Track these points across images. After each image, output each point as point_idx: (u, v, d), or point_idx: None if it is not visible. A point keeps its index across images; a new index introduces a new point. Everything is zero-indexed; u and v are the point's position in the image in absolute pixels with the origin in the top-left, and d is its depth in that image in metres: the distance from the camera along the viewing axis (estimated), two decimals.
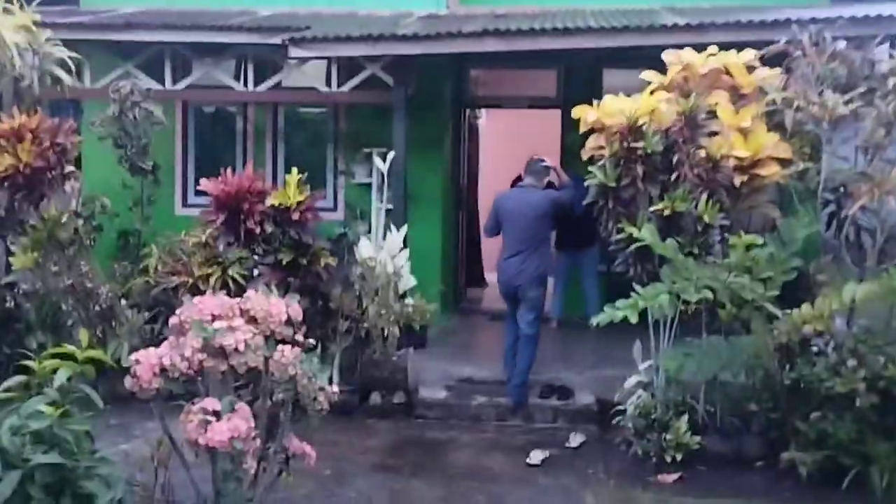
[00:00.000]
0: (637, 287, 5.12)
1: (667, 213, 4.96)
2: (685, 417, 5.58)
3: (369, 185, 8.91)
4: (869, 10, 6.98)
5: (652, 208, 5.02)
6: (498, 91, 10.15)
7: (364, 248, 6.74)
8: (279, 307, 4.06)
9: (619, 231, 5.16)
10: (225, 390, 3.91)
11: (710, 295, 4.67)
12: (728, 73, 5.33)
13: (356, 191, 9.25)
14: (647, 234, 4.79)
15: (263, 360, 3.87)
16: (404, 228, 6.95)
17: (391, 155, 7.05)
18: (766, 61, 5.39)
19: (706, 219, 4.91)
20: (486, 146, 12.30)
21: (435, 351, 7.78)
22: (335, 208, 9.42)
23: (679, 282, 4.67)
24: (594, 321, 4.91)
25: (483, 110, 12.18)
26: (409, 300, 6.96)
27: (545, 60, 9.27)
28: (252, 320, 3.94)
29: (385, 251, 6.70)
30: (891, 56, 5.86)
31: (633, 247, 4.97)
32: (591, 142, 5.75)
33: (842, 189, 5.39)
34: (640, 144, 5.06)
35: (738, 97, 5.26)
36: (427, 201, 9.13)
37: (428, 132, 9.08)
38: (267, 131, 9.47)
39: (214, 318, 3.88)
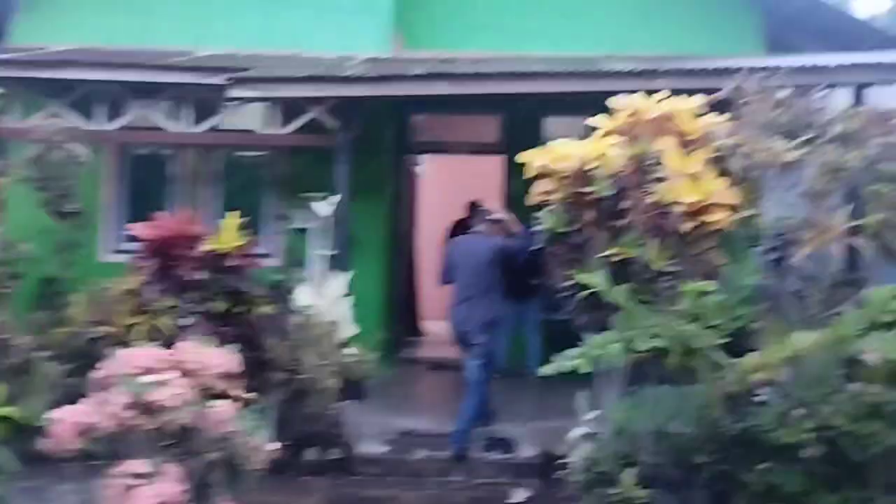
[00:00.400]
0: (585, 336, 4.99)
1: (617, 258, 4.85)
2: (633, 470, 5.42)
3: (307, 231, 8.75)
4: (805, 61, 7.13)
5: (602, 254, 4.91)
6: (440, 136, 10.07)
7: (302, 296, 6.49)
8: (215, 358, 3.80)
9: (568, 278, 5.03)
10: (153, 450, 3.62)
11: (660, 343, 4.55)
12: (675, 119, 5.30)
13: (294, 237, 9.01)
14: (598, 280, 4.67)
15: (196, 416, 3.60)
16: (347, 275, 6.72)
17: (336, 198, 6.84)
18: (713, 108, 5.38)
19: (656, 265, 4.82)
20: (426, 192, 12.20)
21: (375, 402, 7.52)
22: (272, 255, 9.15)
23: (629, 330, 4.55)
24: (542, 371, 4.75)
25: (423, 156, 12.12)
26: (349, 349, 6.71)
27: (488, 106, 9.25)
28: (186, 373, 3.67)
29: (324, 298, 6.46)
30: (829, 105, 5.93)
31: (582, 294, 4.85)
32: (539, 187, 5.64)
33: (785, 236, 5.36)
34: (592, 189, 4.96)
35: (685, 143, 5.23)
36: (369, 247, 8.93)
37: (371, 177, 8.91)
38: (204, 175, 9.19)
39: (144, 371, 3.60)
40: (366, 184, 8.73)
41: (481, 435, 6.73)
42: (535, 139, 9.65)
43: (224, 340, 6.11)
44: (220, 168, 9.20)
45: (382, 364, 8.80)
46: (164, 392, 3.46)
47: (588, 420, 5.83)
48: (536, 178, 5.93)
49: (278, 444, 6.26)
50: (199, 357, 3.70)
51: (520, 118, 9.54)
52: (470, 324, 6.61)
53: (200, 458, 3.72)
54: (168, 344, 6.09)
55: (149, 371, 3.58)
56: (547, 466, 6.23)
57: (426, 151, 10.82)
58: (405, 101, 8.75)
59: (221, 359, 3.77)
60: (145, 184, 9.31)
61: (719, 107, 5.43)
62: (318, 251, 6.99)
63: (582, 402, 5.89)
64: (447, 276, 6.96)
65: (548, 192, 5.69)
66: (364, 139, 8.34)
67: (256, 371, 6.59)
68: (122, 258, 7.39)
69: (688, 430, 5.22)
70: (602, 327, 4.94)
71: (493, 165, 10.50)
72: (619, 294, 4.69)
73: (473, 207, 9.60)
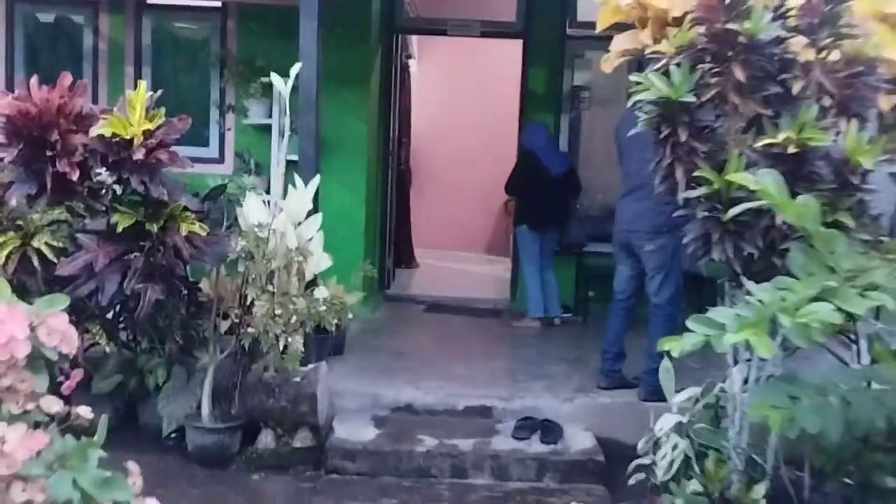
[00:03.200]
0: (726, 288, 2.96)
1: (790, 149, 2.75)
2: (762, 487, 3.46)
3: (269, 128, 6.57)
4: None
5: (762, 142, 2.81)
6: (441, 12, 7.80)
7: (253, 211, 4.34)
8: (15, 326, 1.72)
9: (695, 183, 2.94)
10: None
11: (884, 301, 2.51)
12: None
13: (251, 135, 6.82)
14: (770, 185, 2.58)
15: None
16: (314, 183, 4.57)
17: (295, 69, 4.64)
18: None
19: (859, 161, 2.73)
20: (421, 94, 9.96)
21: (357, 361, 5.47)
22: (221, 158, 6.95)
23: (826, 278, 2.50)
24: (668, 347, 2.71)
25: (416, 49, 9.83)
26: (321, 288, 4.61)
27: None
28: None
29: (284, 216, 4.32)
30: None
31: (731, 213, 2.75)
32: (624, 41, 3.51)
33: None
34: (741, 27, 2.82)
35: None
36: (348, 151, 6.78)
37: (349, 61, 6.70)
38: (127, 51, 6.90)
39: None
40: (344, 69, 6.54)
41: (511, 412, 4.74)
42: (563, 18, 7.53)
43: (133, 273, 4.08)
44: (150, 42, 6.92)
45: (366, 305, 6.78)
46: None
47: (681, 401, 3.89)
48: (614, 28, 3.82)
49: (213, 423, 4.33)
50: None
51: None
52: (637, 223, 4.83)
53: None
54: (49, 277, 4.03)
55: None
56: (612, 465, 4.29)
57: (424, 32, 8.51)
58: None
59: (30, 327, 1.70)
60: (49, 61, 7.01)
61: None
62: (281, 154, 4.79)
63: (667, 375, 3.93)
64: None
65: (634, 50, 3.59)
66: (340, 11, 6.14)
67: (186, 318, 4.54)
68: None
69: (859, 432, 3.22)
70: (759, 272, 2.88)
71: (508, 52, 8.32)
72: (806, 210, 2.59)
73: (543, 129, 7.12)
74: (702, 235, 2.97)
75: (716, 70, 2.92)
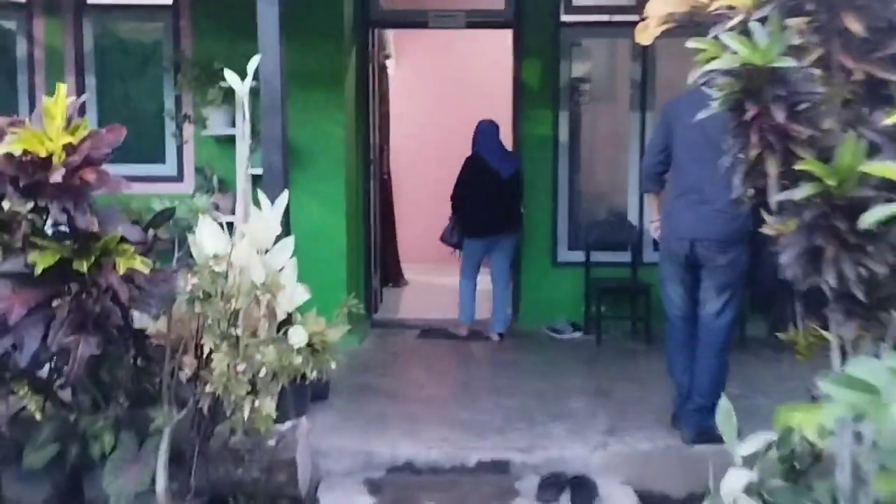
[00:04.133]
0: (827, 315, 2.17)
1: None
2: None
3: (233, 140, 5.74)
4: None
5: (888, 119, 2.03)
6: (421, 4, 7.01)
7: (207, 239, 3.51)
8: None
9: (786, 180, 2.16)
10: None
11: None
12: None
13: (213, 147, 6.01)
14: None
15: None
16: (282, 201, 3.74)
17: (253, 63, 3.81)
18: None
19: None
20: (400, 96, 9.17)
21: (344, 407, 4.66)
22: (180, 176, 6.14)
23: None
24: (797, 423, 1.93)
25: (393, 49, 9.02)
26: (296, 328, 3.78)
27: None
28: None
29: (247, 244, 3.49)
30: None
31: (867, 219, 1.95)
32: (664, 2, 2.74)
33: None
34: None
35: None
36: (324, 161, 6.00)
37: (320, 58, 5.94)
38: (67, 58, 6.07)
39: None
40: (314, 70, 5.79)
41: (531, 468, 3.93)
42: (556, 3, 6.76)
43: (57, 325, 3.27)
44: (92, 47, 6.09)
45: (353, 334, 5.97)
46: None
47: (746, 455, 3.12)
48: None
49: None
50: None
51: None
52: (703, 231, 4.01)
53: None
54: None
55: None
56: None
57: (400, 25, 7.70)
58: None
59: None
60: None
61: None
62: (240, 167, 3.95)
63: (726, 419, 3.16)
64: (657, 155, 4.27)
65: (681, 14, 2.81)
66: (305, 12, 5.39)
67: (127, 372, 3.71)
68: None
69: None
70: (888, 297, 2.10)
71: (496, 45, 7.55)
72: None
73: (492, 129, 6.52)
74: (807, 251, 2.18)
75: (818, 25, 2.14)
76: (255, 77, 3.89)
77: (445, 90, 9.50)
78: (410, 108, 9.42)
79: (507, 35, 6.90)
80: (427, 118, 9.56)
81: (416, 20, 7.00)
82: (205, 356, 3.39)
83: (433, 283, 8.71)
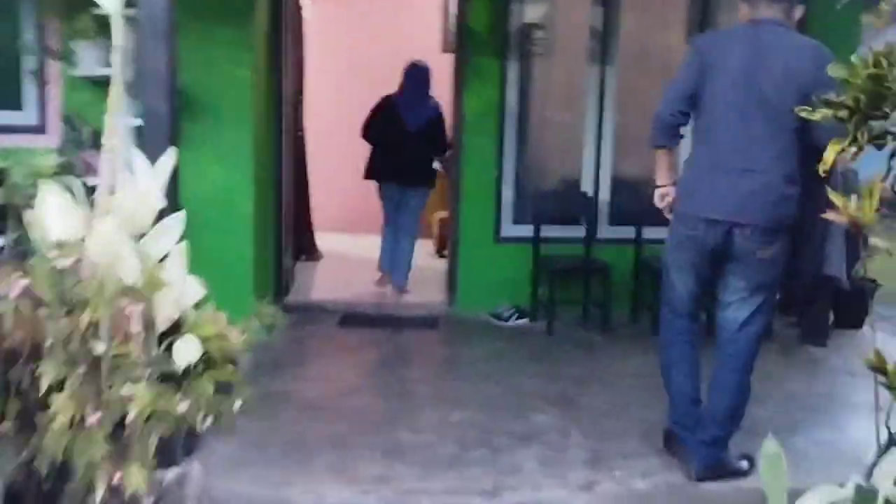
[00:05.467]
0: None
1: None
2: None
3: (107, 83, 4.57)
4: None
5: None
6: None
7: (53, 219, 2.41)
8: None
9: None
10: None
11: None
12: None
13: (85, 92, 4.80)
14: None
15: None
16: (167, 161, 2.65)
17: None
18: None
19: None
20: (316, 42, 8.01)
21: (250, 430, 3.60)
22: (42, 127, 4.92)
23: None
24: None
25: None
26: (185, 341, 2.73)
27: None
28: None
29: (112, 225, 2.41)
30: None
31: None
32: None
33: None
34: None
35: None
36: (227, 112, 4.91)
37: None
38: None
39: None
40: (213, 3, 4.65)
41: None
42: None
43: None
44: None
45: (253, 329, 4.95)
46: None
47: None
48: None
49: None
50: None
51: None
52: (747, 214, 3.09)
53: None
54: None
55: None
56: None
57: None
58: None
59: None
60: None
61: None
62: (110, 116, 2.83)
63: (773, 467, 2.33)
64: (680, 101, 3.25)
65: None
66: None
67: None
68: None
69: None
70: None
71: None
72: None
73: (414, 73, 6.05)
74: None
75: None
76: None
77: (368, 38, 8.38)
78: (328, 57, 8.27)
79: None
80: (346, 68, 8.43)
81: None
82: (38, 396, 2.30)
83: (352, 255, 7.69)
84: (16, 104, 4.86)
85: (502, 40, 5.69)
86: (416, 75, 6.02)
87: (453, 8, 7.78)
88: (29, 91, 4.86)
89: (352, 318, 5.64)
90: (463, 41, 5.74)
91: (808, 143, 2.96)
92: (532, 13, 5.85)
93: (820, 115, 2.49)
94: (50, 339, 2.20)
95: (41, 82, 4.83)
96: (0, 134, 4.75)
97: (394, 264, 6.23)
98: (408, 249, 6.21)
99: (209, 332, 3.03)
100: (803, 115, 1.81)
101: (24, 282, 2.13)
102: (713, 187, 3.17)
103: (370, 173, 6.18)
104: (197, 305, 2.96)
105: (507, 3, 5.67)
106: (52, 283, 2.19)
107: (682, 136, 3.33)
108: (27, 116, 4.85)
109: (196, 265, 4.47)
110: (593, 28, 5.79)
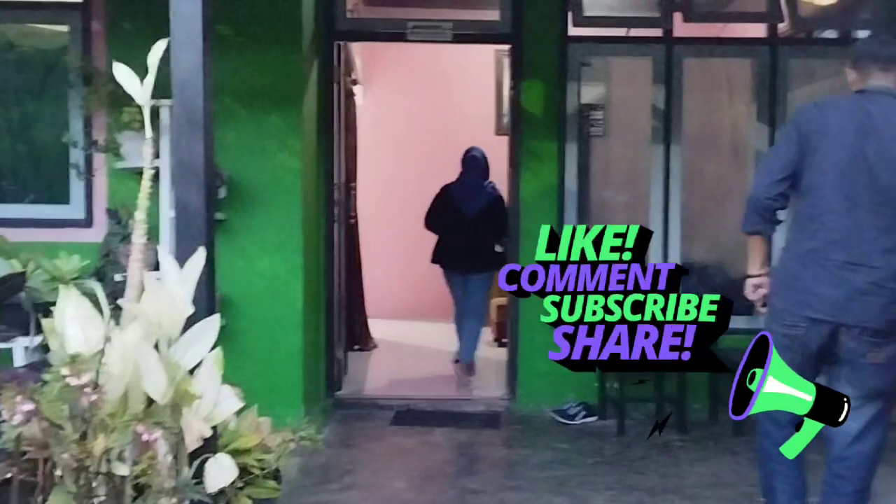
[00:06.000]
0: None
1: None
2: None
3: (157, 174, 4.42)
4: None
5: None
6: (397, 13, 5.79)
7: (71, 328, 2.17)
8: None
9: None
10: None
11: None
12: None
13: (130, 184, 4.67)
14: None
15: None
16: (198, 261, 2.40)
17: (157, 50, 2.51)
18: None
19: None
20: (369, 129, 7.90)
21: None
22: (89, 221, 4.80)
23: None
24: None
25: (361, 74, 7.79)
26: (219, 460, 2.44)
27: None
28: None
29: (134, 331, 2.16)
30: None
31: None
32: None
33: None
34: None
35: None
36: (275, 200, 4.75)
37: (272, 72, 4.71)
38: None
39: None
40: (264, 86, 4.57)
41: None
42: (563, 12, 5.58)
43: None
44: None
45: (310, 420, 4.68)
46: None
47: None
48: None
49: None
50: None
51: None
52: (854, 314, 2.75)
53: None
54: None
55: None
56: None
57: (373, 38, 6.38)
58: None
59: None
60: None
61: None
62: (140, 210, 2.60)
63: None
64: (784, 168, 2.93)
65: None
66: (259, 3, 4.21)
67: None
68: None
69: None
70: None
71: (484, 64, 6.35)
72: None
73: (470, 159, 6.09)
74: None
75: None
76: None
77: (421, 122, 8.26)
78: (380, 143, 8.15)
79: (491, 54, 5.69)
80: (399, 154, 8.30)
81: (391, 30, 5.75)
82: None
83: (407, 344, 7.41)
84: (63, 198, 4.76)
85: (558, 121, 5.46)
86: (472, 161, 6.02)
87: (507, 90, 7.69)
88: (76, 185, 4.75)
89: (406, 416, 5.31)
90: (517, 123, 5.52)
91: None
92: (589, 93, 5.62)
93: None
94: (60, 467, 1.92)
95: (88, 175, 4.71)
96: (48, 228, 4.64)
97: (463, 346, 6.20)
98: (475, 327, 6.17)
99: (249, 444, 2.77)
100: None
101: (28, 406, 1.87)
102: (815, 280, 2.81)
103: (436, 259, 6.20)
104: (239, 411, 2.70)
105: (563, 83, 5.45)
106: (64, 403, 1.93)
107: (779, 222, 3.00)
108: (74, 210, 4.74)
109: (243, 360, 4.24)
110: (654, 106, 5.52)
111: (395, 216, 7.96)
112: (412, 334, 7.75)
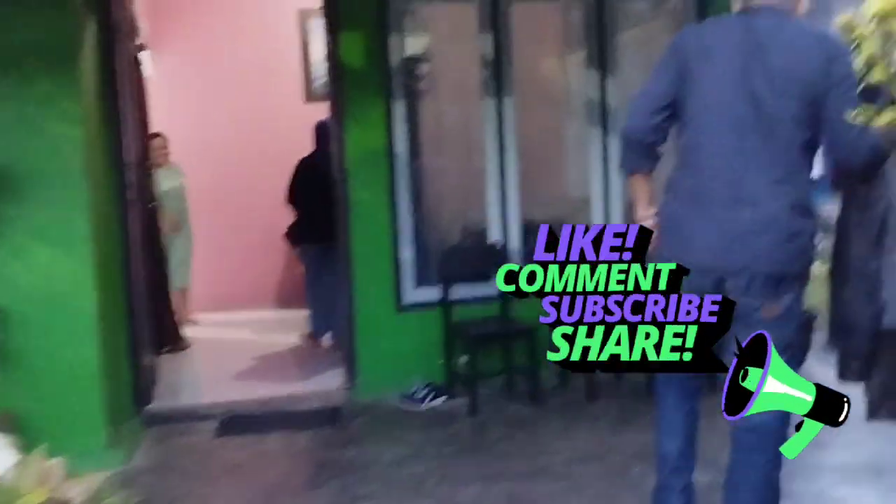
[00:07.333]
0: None
1: None
2: None
3: None
4: None
5: None
6: None
7: None
8: None
9: None
10: None
11: None
12: None
13: None
14: None
15: None
16: None
17: None
18: None
19: None
20: (162, 100, 6.97)
21: None
22: None
23: None
24: None
25: (147, 38, 6.84)
26: None
27: None
28: None
29: None
30: None
31: None
32: None
33: None
34: None
35: None
36: (53, 185, 3.89)
37: (37, 27, 3.86)
38: None
39: None
40: (25, 42, 3.72)
41: None
42: None
43: None
44: None
45: (116, 445, 3.95)
46: None
47: None
48: None
49: None
50: None
51: None
52: (747, 255, 2.38)
53: None
54: None
55: None
56: None
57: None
58: None
59: None
60: None
61: None
62: None
63: None
64: (650, 117, 2.58)
65: None
66: None
67: None
68: None
69: None
70: None
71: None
72: None
73: (322, 131, 5.56)
74: None
75: None
76: None
77: (227, 87, 7.39)
78: (177, 115, 7.22)
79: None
80: (201, 128, 7.39)
81: None
82: None
83: (225, 339, 6.64)
84: None
85: (384, 77, 4.91)
86: (329, 130, 5.29)
87: (314, 54, 7.03)
88: None
89: (233, 424, 4.61)
90: (339, 81, 4.91)
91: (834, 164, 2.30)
92: (415, 45, 5.10)
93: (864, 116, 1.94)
94: None
95: None
96: None
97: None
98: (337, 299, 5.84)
99: (34, 502, 2.08)
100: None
101: None
102: (695, 224, 2.47)
103: (296, 237, 6.01)
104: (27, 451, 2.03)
105: (385, 34, 4.90)
106: None
107: (659, 156, 2.62)
108: None
109: (26, 386, 3.45)
110: (484, 56, 5.09)
111: (204, 195, 7.10)
112: (229, 324, 7.00)
